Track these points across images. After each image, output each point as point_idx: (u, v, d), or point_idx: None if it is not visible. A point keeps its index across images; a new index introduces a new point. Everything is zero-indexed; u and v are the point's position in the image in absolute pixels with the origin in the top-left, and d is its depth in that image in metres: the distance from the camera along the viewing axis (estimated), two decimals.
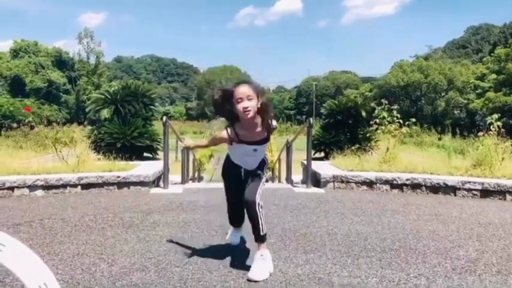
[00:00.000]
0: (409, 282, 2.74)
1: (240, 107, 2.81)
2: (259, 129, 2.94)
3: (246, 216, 3.02)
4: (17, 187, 5.70)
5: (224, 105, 2.93)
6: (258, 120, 2.91)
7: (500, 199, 5.71)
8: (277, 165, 11.55)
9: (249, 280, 2.74)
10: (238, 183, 3.08)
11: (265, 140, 3.02)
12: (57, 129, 8.14)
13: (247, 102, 2.81)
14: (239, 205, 3.07)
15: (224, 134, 2.96)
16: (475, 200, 5.73)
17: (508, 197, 5.68)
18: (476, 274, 2.91)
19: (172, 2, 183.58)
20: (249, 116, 2.83)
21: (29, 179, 5.78)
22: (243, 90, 2.84)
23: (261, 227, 2.87)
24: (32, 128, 10.28)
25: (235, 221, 3.37)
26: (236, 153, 3.06)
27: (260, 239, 2.90)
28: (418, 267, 3.02)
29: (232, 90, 2.87)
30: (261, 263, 2.84)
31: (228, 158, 3.19)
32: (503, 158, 6.64)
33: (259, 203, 2.87)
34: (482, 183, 5.84)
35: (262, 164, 3.12)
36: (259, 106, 2.86)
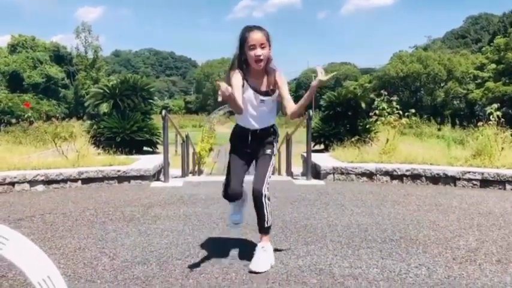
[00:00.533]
0: (409, 273, 2.75)
1: (252, 54, 2.70)
2: (266, 79, 2.82)
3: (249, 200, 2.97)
4: (18, 182, 5.70)
5: (240, 54, 2.78)
6: (268, 76, 2.81)
7: (500, 189, 5.72)
8: (277, 157, 11.56)
9: (250, 272, 2.75)
10: (244, 155, 2.92)
11: (273, 92, 2.85)
12: (56, 124, 8.12)
13: (260, 50, 2.70)
14: (239, 181, 2.89)
15: (236, 75, 2.75)
16: (475, 190, 5.74)
17: (508, 186, 5.69)
18: (477, 263, 2.92)
19: None
20: (260, 65, 2.73)
21: (30, 174, 5.79)
22: (256, 36, 2.70)
23: (266, 218, 2.86)
24: (31, 123, 10.27)
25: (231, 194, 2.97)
26: (244, 106, 2.77)
27: (264, 230, 2.90)
28: (419, 258, 3.04)
29: (244, 36, 2.72)
30: (263, 254, 2.84)
31: (235, 126, 3.01)
32: (502, 148, 6.64)
33: (265, 194, 2.82)
34: (482, 173, 5.85)
35: (272, 133, 2.93)
36: (270, 55, 2.75)
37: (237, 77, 2.75)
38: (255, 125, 2.87)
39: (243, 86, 2.75)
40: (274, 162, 3.00)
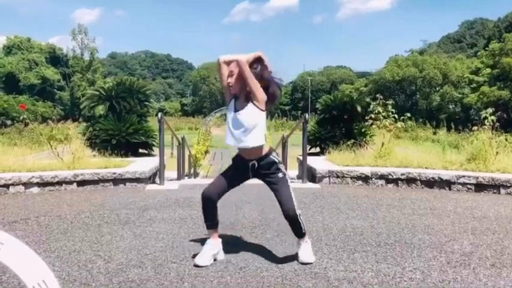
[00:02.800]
0: (404, 276, 2.76)
1: (225, 82, 3.01)
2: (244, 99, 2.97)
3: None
4: (12, 184, 5.68)
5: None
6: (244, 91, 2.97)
7: (494, 193, 5.75)
8: None
9: (303, 263, 2.94)
10: (242, 173, 3.04)
11: (246, 104, 2.94)
12: (52, 126, 8.10)
13: (229, 78, 2.98)
14: (219, 190, 3.01)
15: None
16: (470, 194, 5.76)
17: (502, 190, 5.72)
18: (471, 268, 2.93)
19: None
20: (232, 90, 2.99)
21: (24, 176, 5.77)
22: (230, 68, 2.99)
23: (303, 229, 3.04)
24: (26, 125, 10.24)
25: (211, 219, 3.04)
26: (227, 119, 3.06)
27: (302, 236, 3.08)
28: (413, 261, 3.05)
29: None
30: (306, 247, 3.06)
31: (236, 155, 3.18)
32: (497, 152, 6.67)
33: (299, 214, 2.99)
34: (477, 178, 5.88)
35: (273, 163, 3.01)
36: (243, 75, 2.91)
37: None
38: (228, 141, 3.00)
39: (230, 95, 3.05)
40: (289, 180, 3.10)
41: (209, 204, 3.00)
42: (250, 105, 2.92)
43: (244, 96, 2.95)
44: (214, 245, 3.03)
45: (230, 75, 2.98)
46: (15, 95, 49.98)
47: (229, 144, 3.02)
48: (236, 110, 2.96)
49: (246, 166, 3.00)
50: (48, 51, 61.66)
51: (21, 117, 9.22)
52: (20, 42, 59.98)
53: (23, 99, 47.75)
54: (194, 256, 3.04)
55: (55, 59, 61.73)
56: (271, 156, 3.02)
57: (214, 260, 3.00)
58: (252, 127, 2.91)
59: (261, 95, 2.90)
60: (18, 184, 5.70)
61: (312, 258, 3.04)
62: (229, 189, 3.05)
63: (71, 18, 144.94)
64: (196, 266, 2.91)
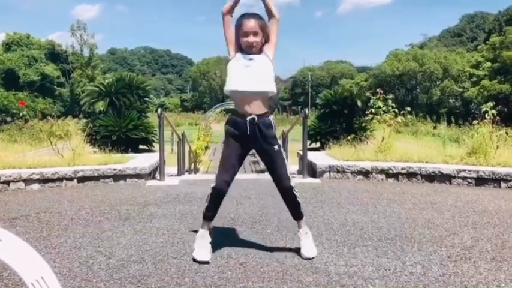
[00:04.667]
0: (405, 271, 2.76)
1: (245, 40, 2.87)
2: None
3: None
4: (13, 181, 5.68)
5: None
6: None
7: (495, 187, 5.74)
8: None
9: (305, 259, 2.94)
10: (240, 147, 2.97)
11: (260, 51, 2.95)
12: (51, 122, 8.09)
13: (252, 38, 2.86)
14: (227, 190, 2.96)
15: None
16: (470, 188, 5.76)
17: (503, 184, 5.72)
18: (472, 261, 2.93)
19: None
20: (252, 51, 2.90)
21: (25, 172, 5.77)
22: (250, 24, 2.86)
23: (300, 205, 3.05)
24: (26, 121, 10.24)
25: (214, 210, 3.03)
26: (232, 68, 2.95)
27: (301, 216, 3.10)
28: (414, 256, 3.05)
29: (239, 23, 2.90)
30: (309, 239, 3.07)
31: (230, 116, 3.04)
32: (497, 146, 6.66)
33: (293, 187, 2.99)
34: (477, 172, 5.88)
35: (270, 125, 2.95)
36: (263, 42, 2.91)
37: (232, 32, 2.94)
38: (245, 85, 2.88)
39: (234, 50, 2.94)
40: (285, 153, 3.09)
41: (221, 197, 2.98)
42: (264, 55, 2.94)
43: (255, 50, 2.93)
44: (209, 237, 3.04)
45: (253, 33, 2.86)
46: (14, 92, 49.95)
47: (237, 89, 2.90)
48: (250, 58, 2.91)
49: (244, 128, 2.89)
50: (48, 47, 61.51)
51: (20, 114, 9.21)
52: (19, 38, 59.82)
53: (23, 96, 47.74)
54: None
55: (54, 55, 61.60)
56: (270, 117, 2.99)
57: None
58: (269, 72, 2.93)
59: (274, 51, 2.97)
60: (18, 181, 5.70)
61: (315, 251, 3.03)
62: (236, 171, 3.01)
63: (71, 14, 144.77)
64: (197, 261, 2.90)
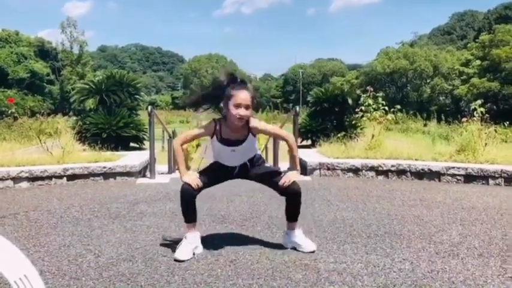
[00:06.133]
0: (393, 267, 2.79)
1: (235, 113, 2.81)
2: (241, 131, 2.95)
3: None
4: (1, 179, 5.63)
5: (214, 98, 2.92)
6: (244, 125, 2.94)
7: (483, 184, 5.80)
8: (264, 153, 11.59)
9: (311, 252, 3.02)
10: (226, 173, 3.09)
11: (243, 141, 2.97)
12: (41, 120, 8.04)
13: (244, 111, 2.81)
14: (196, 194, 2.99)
15: (211, 128, 2.95)
16: (459, 185, 5.81)
17: (491, 181, 5.78)
18: (459, 258, 2.96)
19: None
20: (240, 124, 2.87)
21: (13, 170, 5.72)
22: (243, 96, 2.81)
23: (300, 210, 3.13)
24: (15, 119, 10.15)
25: (193, 213, 3.05)
26: (215, 150, 3.07)
27: (297, 219, 3.15)
28: (403, 252, 3.07)
29: (231, 94, 2.83)
30: (305, 237, 3.14)
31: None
32: (486, 144, 6.74)
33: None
34: (466, 169, 5.93)
35: (256, 161, 3.13)
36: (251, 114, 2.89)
37: (210, 126, 2.95)
38: (233, 163, 3.06)
39: (211, 137, 2.96)
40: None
41: (192, 200, 3.01)
42: (250, 135, 2.98)
43: (237, 130, 2.93)
44: (194, 239, 3.03)
45: (245, 107, 2.81)
46: (3, 89, 49.46)
47: (227, 165, 3.06)
48: (234, 143, 2.95)
49: (231, 171, 3.08)
50: (37, 44, 60.95)
51: (9, 112, 9.12)
52: (7, 35, 59.15)
53: (12, 94, 47.27)
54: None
55: (44, 52, 61.06)
56: (257, 154, 3.14)
57: (194, 254, 2.98)
58: (254, 146, 3.07)
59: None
60: (7, 179, 5.66)
61: (314, 245, 3.11)
62: (206, 187, 3.05)
63: (61, 11, 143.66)
64: (176, 260, 2.89)
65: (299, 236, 3.12)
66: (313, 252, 3.04)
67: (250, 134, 2.98)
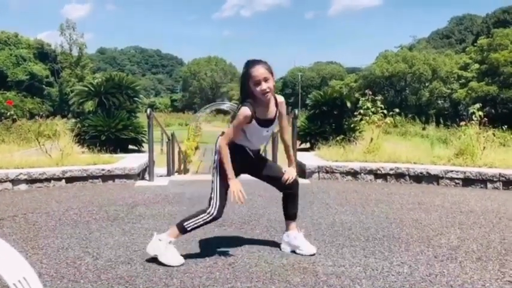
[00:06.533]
0: (392, 271, 2.79)
1: (258, 89, 2.81)
2: (272, 106, 2.97)
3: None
4: (0, 181, 5.63)
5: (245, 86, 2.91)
6: (272, 100, 2.96)
7: (481, 187, 5.81)
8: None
9: (311, 255, 3.02)
10: (245, 167, 3.10)
11: (274, 119, 3.00)
12: (40, 122, 8.04)
13: (265, 84, 2.81)
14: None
15: (247, 112, 2.83)
16: (457, 188, 5.82)
17: (489, 185, 5.79)
18: (458, 261, 2.97)
19: None
20: (267, 97, 2.86)
21: (12, 172, 5.72)
22: (259, 71, 2.82)
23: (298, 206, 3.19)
24: (14, 121, 10.14)
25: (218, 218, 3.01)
26: (248, 134, 2.96)
27: (296, 216, 3.20)
28: (401, 256, 3.08)
29: (248, 73, 2.84)
30: (305, 240, 3.15)
31: (235, 148, 2.98)
32: (484, 147, 6.74)
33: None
34: (464, 172, 5.94)
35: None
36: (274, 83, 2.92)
37: (246, 112, 2.84)
38: (257, 147, 3.14)
39: (250, 122, 2.88)
40: None
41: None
42: (278, 112, 3.03)
43: (269, 107, 2.96)
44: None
45: (264, 79, 2.81)
46: (3, 91, 49.33)
47: (254, 148, 3.08)
48: (268, 122, 2.98)
49: (250, 156, 3.08)
50: (36, 46, 60.95)
51: (8, 114, 9.11)
52: (7, 37, 59.15)
53: (11, 96, 47.16)
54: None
55: (43, 54, 61.04)
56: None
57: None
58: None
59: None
60: (5, 181, 5.65)
61: (313, 247, 3.13)
62: None
63: (60, 13, 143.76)
64: (175, 266, 2.86)
65: (299, 238, 3.12)
66: (313, 255, 3.05)
67: (278, 110, 3.01)
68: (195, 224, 2.92)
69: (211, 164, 3.20)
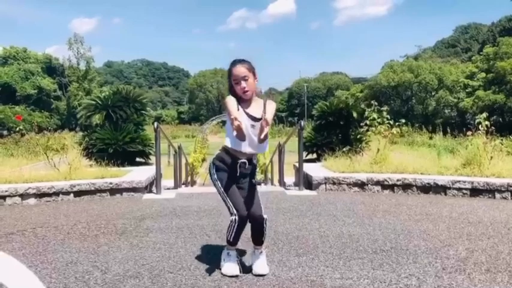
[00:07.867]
0: (400, 283, 2.78)
1: (238, 88, 2.90)
2: (256, 105, 2.98)
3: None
4: (9, 196, 5.68)
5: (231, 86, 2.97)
6: (259, 101, 2.99)
7: (489, 197, 5.77)
8: (269, 167, 11.60)
9: (257, 275, 2.91)
10: (232, 180, 3.01)
11: (260, 119, 2.93)
12: (48, 136, 8.11)
13: (243, 83, 2.88)
14: (244, 205, 2.96)
15: (231, 97, 2.91)
16: (465, 199, 5.79)
17: (497, 195, 5.75)
18: (466, 273, 2.95)
19: (164, 6, 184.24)
20: (247, 95, 2.91)
21: (21, 187, 5.77)
22: (238, 70, 2.90)
23: (265, 235, 3.03)
24: (22, 135, 10.25)
25: (239, 237, 3.03)
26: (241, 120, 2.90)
27: (262, 243, 3.06)
28: (409, 268, 3.07)
29: (229, 72, 2.93)
30: (264, 258, 3.04)
31: (222, 152, 3.04)
32: (491, 157, 6.71)
33: (266, 218, 2.99)
34: (472, 182, 5.91)
35: (254, 169, 3.13)
36: (256, 81, 2.95)
37: (234, 103, 2.89)
38: (248, 148, 2.95)
39: (238, 109, 2.90)
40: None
41: (245, 223, 2.97)
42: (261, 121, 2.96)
43: (253, 106, 2.97)
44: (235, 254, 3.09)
45: (243, 78, 2.87)
46: (11, 106, 49.88)
47: (244, 151, 2.96)
48: (254, 118, 2.94)
49: (235, 164, 2.98)
50: (45, 61, 61.63)
51: (17, 128, 9.20)
52: (16, 52, 59.92)
53: (20, 110, 47.68)
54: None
55: (51, 68, 61.69)
56: (254, 160, 3.13)
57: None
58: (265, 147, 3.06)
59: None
60: (14, 195, 5.70)
61: (267, 269, 2.99)
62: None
63: (68, 27, 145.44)
64: (228, 275, 2.92)
65: (259, 256, 3.03)
66: (263, 275, 2.92)
67: (264, 112, 2.97)
68: (231, 233, 2.96)
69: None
